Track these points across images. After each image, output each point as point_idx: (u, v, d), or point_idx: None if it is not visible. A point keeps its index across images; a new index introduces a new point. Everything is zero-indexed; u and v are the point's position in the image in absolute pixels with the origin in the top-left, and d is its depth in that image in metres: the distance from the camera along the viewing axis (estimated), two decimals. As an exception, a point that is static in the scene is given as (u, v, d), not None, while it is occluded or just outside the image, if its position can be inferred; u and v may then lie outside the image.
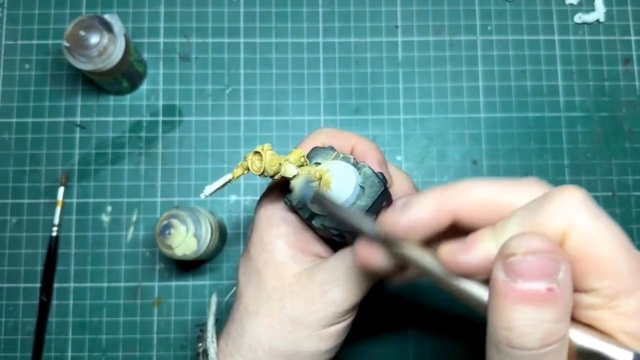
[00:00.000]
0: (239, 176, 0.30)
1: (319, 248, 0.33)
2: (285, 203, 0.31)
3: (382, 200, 0.30)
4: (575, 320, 0.20)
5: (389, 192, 0.30)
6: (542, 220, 0.20)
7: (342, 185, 0.30)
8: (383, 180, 0.30)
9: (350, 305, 0.30)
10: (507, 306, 0.18)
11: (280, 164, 0.29)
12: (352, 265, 0.30)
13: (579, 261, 0.19)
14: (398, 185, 0.33)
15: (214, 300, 0.36)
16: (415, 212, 0.23)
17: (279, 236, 0.32)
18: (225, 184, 0.30)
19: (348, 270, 0.30)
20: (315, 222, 0.30)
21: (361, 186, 0.30)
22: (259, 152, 0.29)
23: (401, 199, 0.24)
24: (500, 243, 0.20)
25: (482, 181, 0.22)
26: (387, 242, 0.24)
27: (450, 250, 0.22)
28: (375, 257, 0.25)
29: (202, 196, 0.30)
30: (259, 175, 0.29)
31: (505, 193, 0.22)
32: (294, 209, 0.31)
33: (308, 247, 0.33)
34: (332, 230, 0.30)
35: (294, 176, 0.29)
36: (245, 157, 0.29)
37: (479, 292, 0.21)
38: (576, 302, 0.19)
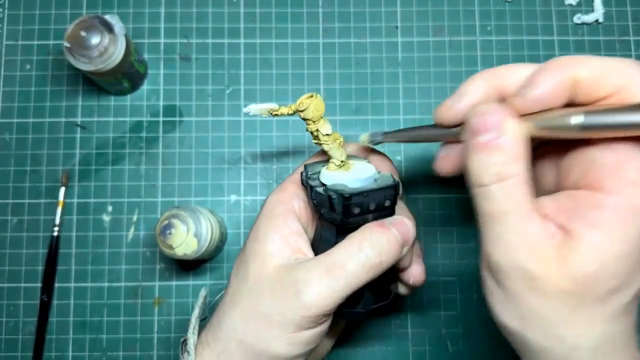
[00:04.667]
0: (282, 113, 0.33)
1: (308, 252, 0.33)
2: (301, 175, 0.34)
3: (390, 192, 0.31)
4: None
5: (398, 190, 0.32)
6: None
7: (359, 172, 0.32)
8: (397, 182, 0.32)
9: (320, 311, 0.30)
10: (469, 156, 0.24)
11: (322, 117, 0.33)
12: (328, 270, 0.30)
13: (592, 87, 0.23)
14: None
15: (202, 293, 0.36)
16: (469, 97, 0.26)
17: (274, 227, 0.33)
18: (269, 112, 0.33)
19: (322, 274, 0.30)
20: (316, 192, 0.32)
21: (375, 180, 0.32)
22: (312, 96, 0.32)
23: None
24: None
25: (523, 65, 0.25)
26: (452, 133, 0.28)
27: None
28: (448, 164, 0.29)
29: (245, 110, 0.33)
30: (303, 112, 0.32)
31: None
32: (305, 188, 0.33)
33: (298, 246, 0.33)
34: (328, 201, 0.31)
35: (327, 135, 0.33)
36: (297, 101, 0.32)
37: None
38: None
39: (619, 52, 0.53)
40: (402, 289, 0.38)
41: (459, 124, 0.27)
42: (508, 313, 0.25)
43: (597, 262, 0.22)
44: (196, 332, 0.33)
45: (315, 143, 0.34)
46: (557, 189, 0.25)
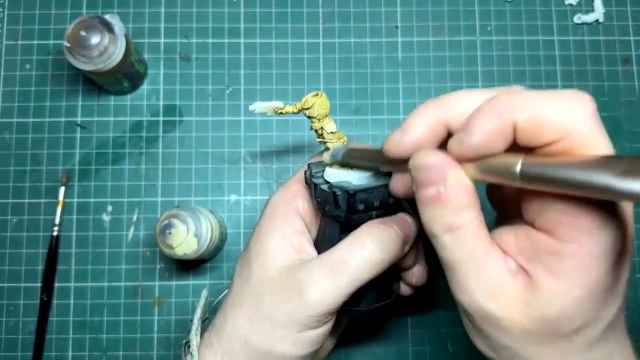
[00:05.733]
0: (288, 111, 0.33)
1: (311, 252, 0.33)
2: (305, 173, 0.34)
3: (387, 191, 0.31)
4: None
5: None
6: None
7: (356, 172, 0.32)
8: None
9: (324, 310, 0.30)
10: (419, 208, 0.24)
11: (327, 115, 0.33)
12: (331, 268, 0.30)
13: (531, 132, 0.21)
14: None
15: (204, 294, 0.37)
16: (414, 132, 0.25)
17: (277, 227, 0.33)
18: (275, 110, 0.33)
19: (326, 273, 0.30)
20: (320, 189, 0.32)
21: (379, 177, 0.32)
22: (317, 95, 0.32)
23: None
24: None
25: (470, 92, 0.24)
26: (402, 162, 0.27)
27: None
28: (403, 185, 0.28)
29: (251, 108, 0.33)
30: (308, 110, 0.32)
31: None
32: (309, 186, 0.34)
33: (301, 246, 0.33)
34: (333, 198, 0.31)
35: (331, 133, 0.33)
36: (302, 99, 0.33)
37: None
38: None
39: (619, 51, 0.53)
40: (404, 289, 0.38)
41: (407, 159, 0.25)
42: (481, 344, 0.25)
43: (557, 306, 0.21)
44: (199, 333, 0.33)
45: (319, 141, 0.34)
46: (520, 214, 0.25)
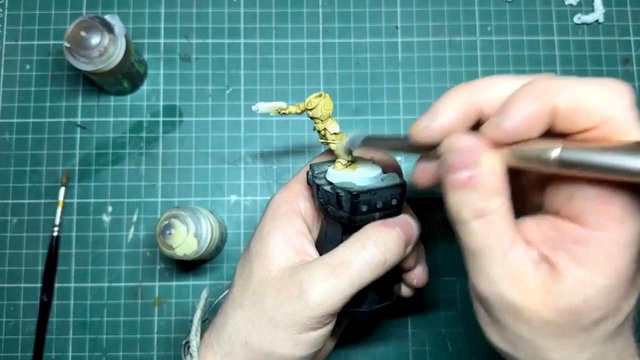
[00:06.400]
0: (291, 112, 0.34)
1: (313, 253, 0.33)
2: (307, 174, 0.34)
3: (397, 191, 0.32)
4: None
5: (405, 190, 0.32)
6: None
7: (365, 172, 0.33)
8: (403, 181, 0.32)
9: (325, 311, 0.30)
10: (446, 192, 0.23)
11: (330, 116, 0.33)
12: (332, 269, 0.30)
13: (570, 117, 0.21)
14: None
15: (203, 295, 0.36)
16: (444, 117, 0.24)
17: (278, 227, 0.33)
18: (278, 111, 0.34)
19: (327, 274, 0.30)
20: (323, 190, 0.32)
21: (382, 179, 0.32)
22: (320, 95, 0.33)
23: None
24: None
25: (500, 78, 0.24)
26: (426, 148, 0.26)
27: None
28: (423, 178, 0.28)
29: (254, 108, 0.33)
30: (311, 110, 0.33)
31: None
32: (311, 187, 0.34)
33: (303, 247, 0.33)
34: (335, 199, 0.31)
35: (335, 134, 0.33)
36: (306, 100, 0.33)
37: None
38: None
39: (619, 51, 0.53)
40: (404, 291, 0.38)
41: (435, 145, 0.25)
42: (497, 337, 0.25)
43: (580, 296, 0.21)
44: (199, 334, 0.33)
45: (322, 142, 0.34)
46: (542, 205, 0.25)
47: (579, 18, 0.53)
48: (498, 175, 0.22)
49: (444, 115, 0.24)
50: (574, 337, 0.22)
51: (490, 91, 0.24)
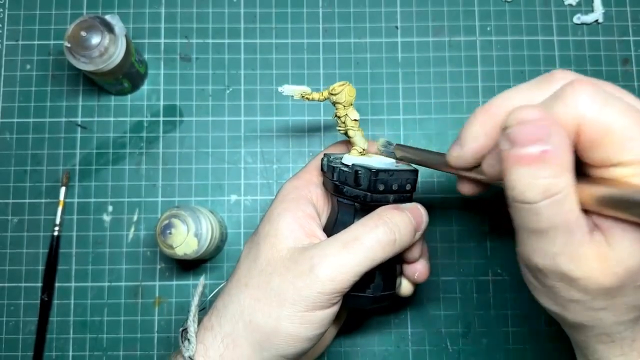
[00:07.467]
0: (314, 99, 0.35)
1: (321, 236, 0.33)
2: (322, 160, 0.35)
3: (412, 176, 0.34)
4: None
5: (418, 177, 0.34)
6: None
7: (380, 160, 0.35)
8: (417, 169, 0.34)
9: (335, 287, 0.30)
10: (510, 170, 0.21)
11: (352, 104, 0.35)
12: (344, 244, 0.31)
13: (599, 145, 0.22)
14: None
15: (201, 281, 0.36)
16: (472, 143, 0.25)
17: (288, 210, 0.33)
18: (302, 95, 0.35)
19: (339, 249, 0.30)
20: (341, 170, 0.33)
21: (397, 166, 0.35)
22: (344, 84, 0.35)
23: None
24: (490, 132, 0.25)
25: (514, 91, 0.25)
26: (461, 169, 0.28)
27: (488, 164, 0.25)
28: (467, 187, 0.30)
29: (280, 89, 0.35)
30: (335, 96, 0.34)
31: (533, 95, 0.24)
32: (324, 173, 0.35)
33: (312, 229, 0.33)
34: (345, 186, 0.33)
35: (355, 120, 0.35)
36: (330, 87, 0.35)
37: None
38: (610, 174, 0.22)
39: (619, 51, 0.53)
40: (405, 288, 0.39)
41: (473, 167, 0.27)
42: (548, 301, 0.25)
43: (637, 257, 0.22)
44: (196, 319, 0.33)
45: (340, 130, 0.36)
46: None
47: (579, 18, 0.53)
48: (569, 151, 0.21)
49: (471, 142, 0.25)
50: (627, 297, 0.23)
51: (506, 106, 0.24)
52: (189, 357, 0.31)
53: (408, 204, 0.34)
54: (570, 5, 0.54)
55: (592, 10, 0.53)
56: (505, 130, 0.21)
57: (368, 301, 0.34)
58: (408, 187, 0.33)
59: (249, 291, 0.31)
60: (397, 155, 0.35)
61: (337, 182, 0.33)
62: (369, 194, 0.32)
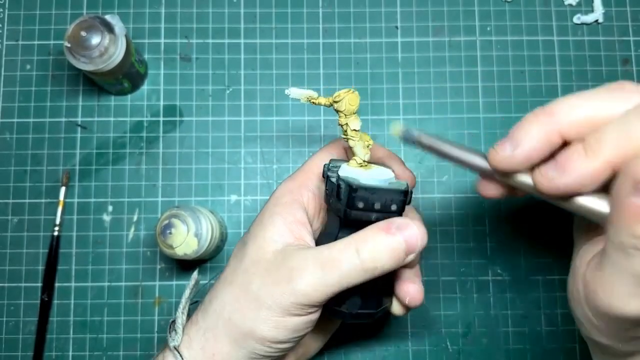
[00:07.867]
0: (320, 103, 0.34)
1: (310, 242, 0.33)
2: (324, 166, 0.34)
3: (398, 197, 0.31)
4: None
5: (407, 198, 0.32)
6: (636, 135, 0.21)
7: (376, 174, 0.33)
8: (407, 189, 0.32)
9: (309, 301, 0.30)
10: (624, 214, 0.20)
11: (355, 113, 0.34)
12: (323, 264, 0.30)
13: None
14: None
15: (194, 276, 0.37)
16: (528, 145, 0.23)
17: (279, 213, 0.33)
18: (308, 99, 0.34)
19: (318, 265, 0.30)
20: (330, 181, 0.32)
21: (389, 184, 0.32)
22: (349, 91, 0.34)
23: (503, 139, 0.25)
24: (596, 161, 0.22)
25: (581, 99, 0.23)
26: (497, 174, 0.26)
27: (545, 175, 0.23)
28: (492, 190, 0.27)
29: (287, 92, 0.34)
30: (337, 103, 0.33)
31: (605, 105, 0.23)
32: (324, 179, 0.34)
33: (301, 235, 0.33)
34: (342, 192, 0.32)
35: (355, 130, 0.34)
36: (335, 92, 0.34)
37: (591, 203, 0.24)
38: None
39: (619, 52, 0.53)
40: (396, 309, 0.37)
41: (515, 171, 0.25)
42: (597, 334, 0.25)
43: None
44: (185, 312, 0.34)
45: (343, 138, 0.35)
46: None
47: (579, 18, 0.53)
48: None
49: (528, 144, 0.23)
50: None
51: (572, 114, 0.23)
52: (174, 346, 0.33)
53: (403, 221, 0.31)
54: (570, 5, 0.54)
55: (592, 10, 0.53)
56: (637, 183, 0.20)
57: (344, 316, 0.34)
58: (393, 207, 0.31)
59: (232, 289, 0.32)
60: (423, 144, 0.30)
61: (327, 192, 0.33)
62: (347, 209, 0.30)
